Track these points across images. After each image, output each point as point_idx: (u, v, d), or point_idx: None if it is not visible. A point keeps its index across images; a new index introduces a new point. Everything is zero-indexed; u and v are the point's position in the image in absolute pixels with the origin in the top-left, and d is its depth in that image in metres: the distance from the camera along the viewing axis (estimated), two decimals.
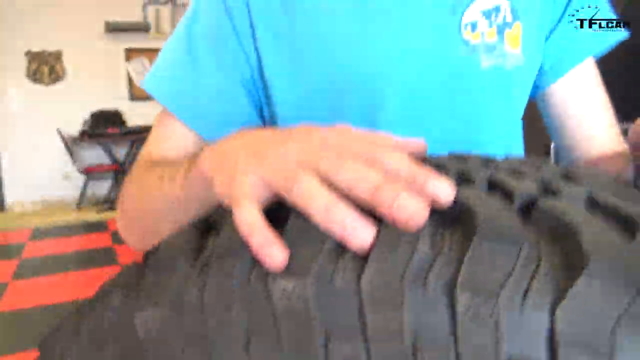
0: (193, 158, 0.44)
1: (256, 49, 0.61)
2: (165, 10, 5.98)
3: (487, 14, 0.59)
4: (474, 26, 0.59)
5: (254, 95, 0.64)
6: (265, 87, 0.63)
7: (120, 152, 5.55)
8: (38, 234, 4.35)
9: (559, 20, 0.63)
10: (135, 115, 5.85)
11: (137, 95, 5.91)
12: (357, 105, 0.60)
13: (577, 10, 0.62)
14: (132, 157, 5.57)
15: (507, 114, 0.63)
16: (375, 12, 0.59)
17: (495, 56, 0.59)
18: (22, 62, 5.46)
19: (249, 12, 0.60)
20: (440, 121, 0.60)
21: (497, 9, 0.59)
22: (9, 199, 5.53)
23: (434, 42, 0.59)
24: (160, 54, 0.65)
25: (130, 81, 5.89)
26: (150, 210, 0.53)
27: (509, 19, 0.59)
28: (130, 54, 5.87)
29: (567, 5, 0.62)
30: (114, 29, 5.65)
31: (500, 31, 0.59)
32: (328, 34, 0.60)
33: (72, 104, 5.58)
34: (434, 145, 0.60)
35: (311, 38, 0.60)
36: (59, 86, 5.61)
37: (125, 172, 5.46)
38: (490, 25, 0.59)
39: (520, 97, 0.63)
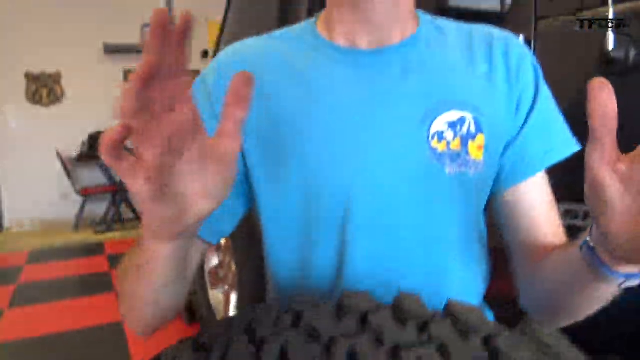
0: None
1: (241, 150, 0.66)
2: None
3: (453, 125, 0.64)
4: (440, 136, 0.64)
5: (241, 190, 0.69)
6: (249, 182, 0.69)
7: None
8: (35, 256, 4.37)
9: (517, 134, 0.67)
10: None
11: None
12: (328, 211, 0.65)
13: (535, 124, 0.67)
14: None
15: (467, 215, 0.67)
16: (353, 122, 0.64)
17: (459, 164, 0.64)
18: (22, 84, 5.52)
19: None
20: (404, 224, 0.65)
21: (462, 121, 0.64)
22: (7, 219, 5.56)
23: (404, 149, 0.64)
24: None
25: None
26: (137, 286, 0.56)
27: (472, 130, 0.64)
28: (128, 75, 5.92)
29: (525, 121, 0.67)
30: (112, 50, 5.72)
31: (464, 141, 0.64)
32: (305, 140, 0.64)
33: (70, 125, 5.63)
34: (398, 247, 0.64)
35: (290, 142, 0.65)
36: (58, 107, 5.67)
37: (123, 192, 5.50)
38: (455, 136, 0.64)
39: (479, 200, 0.68)
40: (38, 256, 4.39)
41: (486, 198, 0.69)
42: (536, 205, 0.68)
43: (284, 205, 0.67)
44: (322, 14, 0.72)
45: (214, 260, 2.43)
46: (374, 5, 0.64)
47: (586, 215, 0.81)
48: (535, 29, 0.88)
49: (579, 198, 0.81)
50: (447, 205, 0.65)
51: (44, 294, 3.39)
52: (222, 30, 2.52)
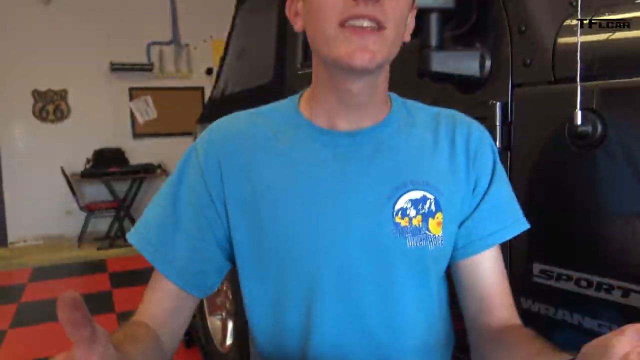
0: None
1: (226, 212, 0.72)
2: (169, 51, 6.14)
3: (415, 203, 0.70)
4: (404, 212, 0.69)
5: (227, 249, 0.75)
6: (231, 243, 0.74)
7: (122, 188, 5.66)
8: (38, 274, 4.42)
9: (472, 212, 0.74)
10: (137, 152, 5.97)
11: (139, 133, 6.05)
12: (298, 280, 0.71)
13: (489, 205, 0.72)
14: (132, 194, 5.67)
15: (426, 283, 0.73)
16: (323, 197, 0.70)
17: (419, 238, 0.70)
18: (29, 101, 5.60)
19: (222, 184, 0.72)
20: (368, 292, 0.70)
21: (424, 200, 0.70)
22: (11, 235, 5.62)
23: (370, 224, 0.69)
24: (147, 208, 0.76)
25: (133, 119, 6.03)
26: None
27: (433, 209, 0.70)
28: (134, 92, 6.01)
29: (480, 201, 0.73)
30: (118, 68, 5.81)
31: (425, 218, 0.70)
32: (280, 211, 0.70)
33: (76, 142, 5.71)
34: (362, 312, 0.69)
35: (267, 212, 0.70)
36: (63, 124, 5.75)
37: (126, 208, 5.56)
38: (417, 213, 0.70)
39: (438, 270, 0.74)
40: (41, 274, 4.44)
41: (444, 268, 0.75)
42: (488, 276, 0.73)
43: (259, 270, 0.73)
44: (305, 94, 0.77)
45: None
46: (353, 92, 0.69)
47: (559, 276, 0.85)
48: (512, 95, 0.92)
49: (552, 259, 0.85)
50: (408, 274, 0.71)
51: (46, 314, 3.43)
52: (226, 49, 2.58)
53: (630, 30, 0.80)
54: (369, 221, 0.69)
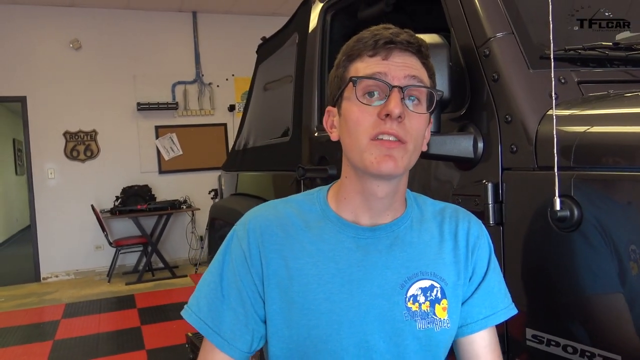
0: None
1: (264, 289, 0.84)
2: (192, 89, 6.38)
3: (424, 291, 0.82)
4: (414, 299, 0.82)
5: (259, 327, 0.86)
6: (265, 324, 0.85)
7: (149, 223, 5.85)
8: (70, 310, 4.60)
9: (469, 298, 0.86)
10: (163, 187, 6.18)
11: (165, 169, 6.27)
12: (323, 354, 0.81)
13: (483, 292, 0.85)
14: (159, 229, 5.85)
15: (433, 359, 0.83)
16: (347, 281, 0.81)
17: (428, 321, 0.81)
18: (61, 142, 5.87)
19: (261, 266, 0.83)
20: None
21: (431, 288, 0.82)
22: (44, 271, 5.84)
23: (386, 307, 0.81)
24: (198, 285, 0.88)
25: (159, 156, 6.25)
26: None
27: (439, 296, 0.82)
28: (159, 130, 6.25)
29: (476, 289, 0.86)
30: (144, 108, 6.06)
31: (432, 304, 0.82)
32: (310, 292, 0.81)
33: (105, 179, 5.96)
34: None
35: (299, 290, 0.82)
36: (93, 163, 6.00)
37: (153, 243, 5.73)
38: (426, 299, 0.82)
39: (444, 348, 0.85)
40: (73, 309, 4.61)
41: (449, 346, 0.86)
42: (483, 354, 0.85)
43: (287, 341, 0.83)
44: (332, 190, 0.90)
45: None
46: (378, 195, 0.81)
47: (549, 342, 0.94)
48: (502, 176, 1.03)
49: (543, 326, 0.94)
50: (418, 351, 0.82)
51: (79, 353, 3.58)
52: (247, 105, 2.75)
53: (607, 125, 0.91)
54: (385, 305, 0.80)
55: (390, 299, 0.81)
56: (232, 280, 0.84)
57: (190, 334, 3.29)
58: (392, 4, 1.58)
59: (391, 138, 0.76)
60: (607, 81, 1.09)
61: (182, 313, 0.86)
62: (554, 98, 0.93)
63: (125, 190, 5.93)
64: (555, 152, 0.87)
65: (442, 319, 0.82)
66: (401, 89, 0.76)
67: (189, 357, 3.27)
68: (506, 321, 1.01)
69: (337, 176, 1.60)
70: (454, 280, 0.84)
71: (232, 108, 6.52)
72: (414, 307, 0.81)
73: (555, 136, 0.88)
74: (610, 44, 1.14)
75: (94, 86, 5.93)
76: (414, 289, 0.81)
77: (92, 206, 5.63)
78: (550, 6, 0.93)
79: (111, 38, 6.03)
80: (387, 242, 0.83)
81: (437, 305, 0.82)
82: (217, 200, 5.89)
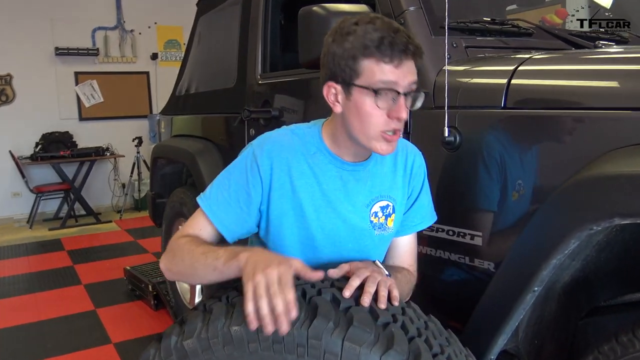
0: (233, 253, 0.95)
1: (268, 200, 1.12)
2: (114, 35, 6.30)
3: (383, 209, 1.17)
4: (375, 214, 1.17)
5: (257, 219, 1.16)
6: (267, 219, 1.14)
7: (69, 170, 5.84)
8: None
9: (407, 211, 1.23)
10: (84, 135, 6.14)
11: (85, 116, 6.22)
12: (322, 242, 1.15)
13: (417, 207, 1.24)
14: (82, 176, 5.87)
15: (381, 252, 1.23)
16: (332, 199, 1.13)
17: (382, 230, 1.18)
18: None
19: (271, 180, 1.10)
20: (350, 254, 1.17)
21: (387, 207, 1.18)
22: None
23: (357, 219, 1.15)
24: (213, 184, 1.14)
25: (79, 103, 6.18)
26: (192, 267, 1.03)
27: (391, 212, 1.18)
28: (79, 76, 6.16)
29: (412, 204, 1.23)
30: (63, 53, 5.93)
31: (386, 218, 1.18)
32: (305, 206, 1.13)
33: (23, 125, 5.82)
34: (344, 260, 1.17)
35: (295, 206, 1.13)
36: (9, 108, 5.83)
37: (76, 190, 5.75)
38: (383, 214, 1.17)
39: (387, 246, 1.24)
40: None
41: (389, 244, 1.25)
42: (407, 248, 1.26)
43: (296, 232, 1.14)
44: (326, 127, 1.14)
45: None
46: (365, 154, 1.14)
47: (438, 229, 1.36)
48: (410, 113, 1.41)
49: (442, 220, 1.35)
50: (373, 249, 1.19)
51: (14, 289, 3.69)
52: (187, 51, 2.94)
53: (480, 78, 1.31)
54: (355, 218, 1.14)
55: (359, 214, 1.14)
56: (242, 185, 1.10)
57: (128, 268, 3.53)
58: None
59: (393, 133, 1.03)
60: (486, 47, 1.49)
61: (198, 198, 1.13)
62: (447, 57, 1.31)
63: (45, 137, 5.85)
64: (446, 95, 1.26)
65: (389, 227, 1.18)
66: (407, 94, 1.01)
67: (128, 288, 3.52)
68: None
69: (278, 117, 1.93)
70: (400, 199, 1.19)
71: (155, 56, 6.51)
72: (375, 220, 1.16)
73: (446, 84, 1.27)
74: (489, 19, 1.54)
75: (8, 27, 5.69)
76: (376, 207, 1.16)
77: (10, 152, 5.53)
78: None
79: None
80: (361, 174, 1.14)
81: (388, 218, 1.17)
82: (140, 147, 6.01)
